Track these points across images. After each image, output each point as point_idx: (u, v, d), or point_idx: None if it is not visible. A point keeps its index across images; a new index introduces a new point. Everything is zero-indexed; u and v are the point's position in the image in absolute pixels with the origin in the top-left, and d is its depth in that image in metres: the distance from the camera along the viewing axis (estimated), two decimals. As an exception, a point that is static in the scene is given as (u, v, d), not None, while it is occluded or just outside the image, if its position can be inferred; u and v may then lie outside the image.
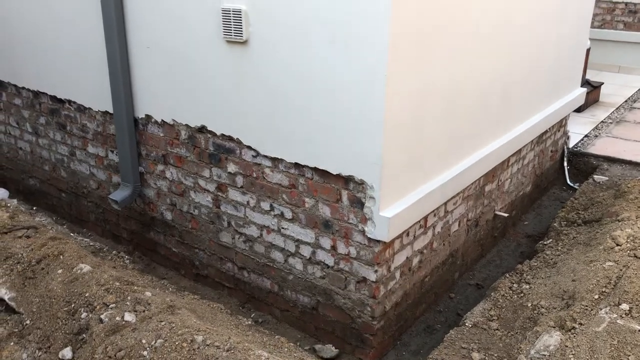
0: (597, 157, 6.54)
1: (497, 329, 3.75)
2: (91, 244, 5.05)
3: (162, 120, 4.42)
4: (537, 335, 3.31)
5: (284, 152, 3.75)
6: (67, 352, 3.22)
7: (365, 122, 3.28)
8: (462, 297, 4.57)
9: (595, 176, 6.02)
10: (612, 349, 2.96)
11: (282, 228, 3.96)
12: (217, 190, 4.27)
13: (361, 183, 3.44)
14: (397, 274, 3.81)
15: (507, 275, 4.38)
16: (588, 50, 7.67)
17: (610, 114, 8.05)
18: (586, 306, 3.40)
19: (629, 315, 3.20)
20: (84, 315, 3.33)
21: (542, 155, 5.91)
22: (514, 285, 4.19)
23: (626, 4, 10.25)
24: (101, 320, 3.23)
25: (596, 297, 3.46)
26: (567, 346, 3.06)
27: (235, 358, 2.90)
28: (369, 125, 3.27)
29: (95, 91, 4.82)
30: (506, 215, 5.17)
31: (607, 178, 5.93)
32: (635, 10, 10.22)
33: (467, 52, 3.88)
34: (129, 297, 3.40)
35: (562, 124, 6.27)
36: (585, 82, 7.83)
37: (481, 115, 4.31)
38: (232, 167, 4.10)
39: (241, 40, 3.65)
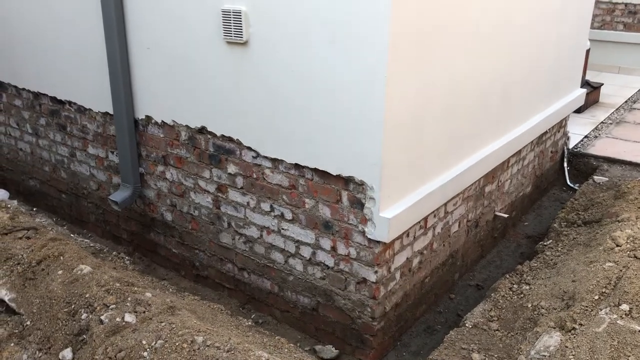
0: (597, 157, 6.54)
1: (497, 330, 3.75)
2: (91, 245, 5.05)
3: (162, 121, 4.42)
4: (537, 336, 3.31)
5: (284, 152, 3.75)
6: (67, 353, 3.22)
7: (365, 122, 3.29)
8: (462, 298, 4.57)
9: (595, 177, 6.02)
10: (612, 349, 2.96)
11: (282, 229, 3.97)
12: (217, 191, 4.27)
13: (361, 184, 3.44)
14: (397, 275, 3.81)
15: (507, 276, 4.38)
16: (588, 51, 7.68)
17: (610, 114, 8.05)
18: (586, 307, 3.40)
19: (629, 316, 3.20)
20: (84, 316, 3.33)
21: (542, 156, 5.91)
22: (514, 286, 4.19)
23: (626, 4, 10.26)
24: (101, 321, 3.23)
25: (596, 297, 3.46)
26: (567, 347, 3.06)
27: (236, 359, 2.90)
28: (369, 126, 3.28)
29: (96, 92, 4.83)
30: (506, 216, 5.18)
31: (607, 179, 5.93)
32: (635, 11, 10.23)
33: (467, 52, 3.89)
34: (129, 298, 3.40)
35: (562, 124, 6.27)
36: (585, 83, 7.83)
37: (481, 115, 4.31)
38: (232, 168, 4.11)
39: (241, 41, 3.66)
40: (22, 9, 5.20)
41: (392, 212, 3.44)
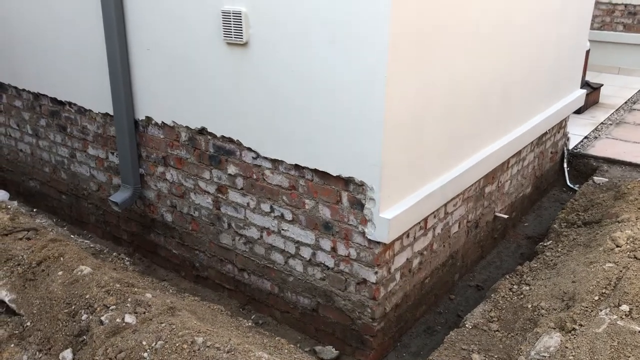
0: (597, 158, 6.54)
1: (497, 330, 3.75)
2: (91, 245, 5.05)
3: (162, 122, 4.42)
4: (537, 337, 3.31)
5: (284, 153, 3.76)
6: (67, 353, 3.22)
7: (365, 122, 3.29)
8: (462, 299, 4.57)
9: (595, 177, 6.02)
10: (612, 350, 2.96)
11: (282, 230, 3.97)
12: (217, 192, 4.27)
13: (361, 184, 3.44)
14: (397, 276, 3.81)
15: (507, 277, 4.38)
16: (588, 52, 7.68)
17: (610, 115, 8.05)
18: (586, 307, 3.40)
19: (629, 317, 3.20)
20: (84, 317, 3.33)
21: (542, 157, 5.92)
22: (514, 286, 4.19)
23: (626, 5, 10.26)
24: (101, 322, 3.23)
25: (596, 298, 3.46)
26: (567, 347, 3.06)
27: (236, 359, 2.90)
28: (369, 126, 3.28)
29: (96, 93, 4.83)
30: (506, 216, 5.18)
31: (607, 179, 5.94)
32: (635, 11, 10.23)
33: (467, 52, 3.89)
34: (129, 299, 3.40)
35: (562, 125, 6.28)
36: (585, 84, 7.84)
37: (481, 115, 4.31)
38: (232, 169, 4.11)
39: (241, 42, 3.66)
40: (22, 9, 5.21)
41: (392, 212, 3.44)
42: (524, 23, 4.59)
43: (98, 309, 3.34)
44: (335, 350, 3.93)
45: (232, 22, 3.64)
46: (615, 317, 3.20)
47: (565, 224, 5.15)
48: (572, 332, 3.20)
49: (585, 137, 7.17)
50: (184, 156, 4.39)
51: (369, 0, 3.06)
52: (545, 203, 6.17)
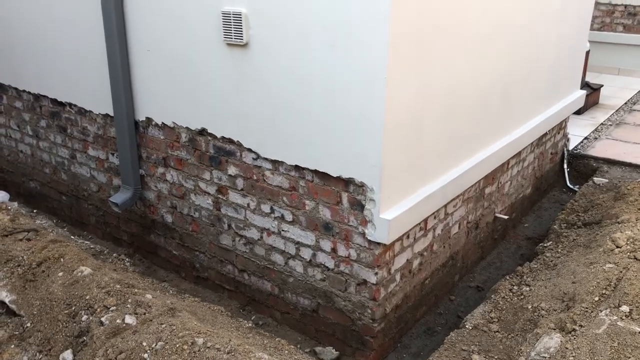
0: (597, 159, 6.54)
1: (497, 331, 3.75)
2: (92, 246, 5.05)
3: (163, 122, 4.42)
4: (538, 337, 3.31)
5: (284, 154, 3.76)
6: (67, 354, 3.22)
7: (365, 123, 3.29)
8: (463, 300, 4.57)
9: (595, 178, 6.02)
10: (613, 351, 2.96)
11: (283, 230, 3.97)
12: (217, 192, 4.28)
13: (361, 185, 3.45)
14: (398, 277, 3.81)
15: (507, 278, 4.38)
16: (587, 53, 7.68)
17: (610, 116, 8.06)
18: (586, 308, 3.40)
19: (629, 317, 3.20)
20: (84, 317, 3.33)
21: (542, 158, 5.92)
22: (514, 287, 4.19)
23: (625, 6, 10.26)
24: (102, 323, 3.23)
25: (596, 299, 3.46)
26: (567, 348, 3.07)
27: (236, 360, 2.91)
28: (369, 127, 3.28)
29: (96, 94, 4.83)
30: (506, 217, 5.18)
31: (607, 180, 5.94)
32: (635, 12, 10.24)
33: (467, 52, 3.89)
34: (129, 300, 3.40)
35: (562, 126, 6.28)
36: (584, 85, 7.84)
37: (481, 115, 4.31)
38: (232, 170, 4.11)
39: (241, 43, 3.66)
40: (22, 9, 5.21)
41: (392, 213, 3.44)
42: (524, 23, 4.59)
43: (98, 309, 3.34)
44: (336, 351, 3.93)
45: (232, 23, 3.64)
46: (615, 317, 3.20)
47: (565, 224, 5.15)
48: (572, 332, 3.21)
49: (585, 138, 7.17)
50: (184, 157, 4.40)
51: (369, 1, 3.06)
52: (545, 204, 6.17)
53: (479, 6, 3.87)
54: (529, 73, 4.95)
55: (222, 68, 3.86)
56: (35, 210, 5.99)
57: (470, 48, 3.91)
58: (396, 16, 3.06)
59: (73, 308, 3.42)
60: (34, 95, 5.51)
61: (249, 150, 3.95)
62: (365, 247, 3.57)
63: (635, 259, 3.77)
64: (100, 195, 5.28)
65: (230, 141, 4.03)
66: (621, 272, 3.63)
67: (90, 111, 5.00)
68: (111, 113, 4.75)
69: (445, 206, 4.12)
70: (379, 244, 3.51)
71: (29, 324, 3.50)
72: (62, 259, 3.86)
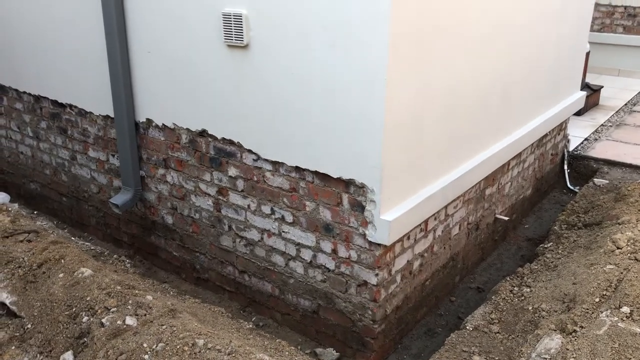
0: (597, 160, 6.55)
1: (498, 332, 3.75)
2: (92, 248, 5.05)
3: (163, 124, 4.43)
4: (538, 339, 3.31)
5: (284, 155, 3.76)
6: (68, 356, 3.22)
7: (366, 124, 3.29)
8: (463, 301, 4.57)
9: (595, 179, 6.02)
10: (613, 352, 2.96)
11: (283, 232, 3.97)
12: (217, 194, 4.28)
13: (362, 186, 3.45)
14: (398, 278, 3.81)
15: (508, 279, 4.38)
16: (588, 54, 7.69)
17: (610, 117, 8.06)
18: (587, 309, 3.40)
19: (630, 319, 3.20)
20: (85, 319, 3.33)
21: (542, 159, 5.92)
22: (515, 288, 4.19)
23: (625, 7, 10.27)
24: (102, 324, 3.23)
25: (597, 300, 3.46)
26: (568, 349, 3.06)
27: (237, 362, 2.90)
28: (369, 127, 3.28)
29: (96, 95, 4.83)
30: (507, 218, 5.18)
31: (607, 181, 5.94)
32: (635, 13, 10.24)
33: (467, 52, 3.89)
34: (130, 301, 3.40)
35: (562, 127, 6.28)
36: (585, 86, 7.84)
37: (481, 116, 4.31)
38: (232, 171, 4.11)
39: (242, 45, 3.66)
40: (22, 9, 5.21)
41: (392, 214, 3.44)
42: (524, 23, 4.59)
43: (99, 311, 3.34)
44: (336, 352, 3.93)
45: (232, 25, 3.65)
46: (616, 318, 3.20)
47: (565, 225, 5.15)
48: (573, 334, 3.20)
49: (586, 139, 7.17)
50: (184, 158, 4.40)
51: (369, 1, 3.06)
52: (546, 205, 6.17)
53: (479, 6, 3.88)
54: (529, 73, 4.95)
55: (223, 69, 3.87)
56: (35, 212, 5.99)
57: (470, 48, 3.91)
58: (396, 16, 3.06)
59: (74, 309, 3.42)
60: (35, 97, 5.51)
61: (250, 151, 3.95)
62: (365, 248, 3.57)
63: (636, 260, 3.77)
64: (101, 197, 5.28)
65: (231, 142, 4.03)
66: (622, 273, 3.63)
67: (91, 112, 5.00)
68: (111, 114, 4.75)
69: (445, 207, 4.12)
70: (379, 245, 3.51)
71: (29, 325, 3.50)
72: (62, 261, 3.86)
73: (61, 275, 3.71)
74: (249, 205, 4.11)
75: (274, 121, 3.72)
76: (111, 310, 3.32)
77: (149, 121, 4.52)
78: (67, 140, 5.37)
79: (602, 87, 8.76)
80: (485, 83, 4.24)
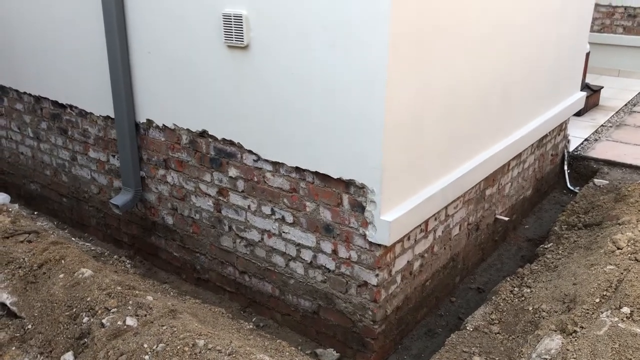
0: (597, 160, 6.55)
1: (498, 333, 3.75)
2: (92, 248, 5.05)
3: (164, 124, 4.43)
4: (539, 339, 3.31)
5: (284, 156, 3.76)
6: (68, 356, 3.22)
7: (366, 124, 3.29)
8: (463, 301, 4.57)
9: (595, 180, 6.02)
10: (614, 352, 2.96)
11: (283, 232, 3.97)
12: (218, 194, 4.28)
13: (362, 187, 3.45)
14: (398, 278, 3.81)
15: (508, 279, 4.38)
16: (588, 54, 7.69)
17: (610, 117, 8.06)
18: (587, 310, 3.40)
19: (630, 319, 3.20)
20: (85, 319, 3.33)
21: (542, 159, 5.92)
22: (515, 289, 4.19)
23: (625, 8, 10.27)
24: (103, 325, 3.23)
25: (597, 300, 3.46)
26: (568, 350, 3.06)
27: (237, 362, 2.90)
28: (370, 128, 3.28)
29: (97, 96, 4.84)
30: (507, 219, 5.18)
31: (607, 182, 5.94)
32: (635, 14, 10.24)
33: (467, 52, 3.89)
34: (130, 302, 3.40)
35: (562, 127, 6.28)
36: (585, 86, 7.84)
37: (481, 116, 4.31)
38: (233, 172, 4.11)
39: (242, 45, 3.67)
40: (21, 9, 5.21)
41: (393, 215, 3.45)
42: (524, 23, 4.59)
43: (99, 311, 3.34)
44: (336, 352, 3.93)
45: (232, 25, 3.65)
46: (616, 319, 3.20)
47: (565, 226, 5.15)
48: (573, 334, 3.20)
49: (586, 140, 7.17)
50: (184, 159, 4.40)
51: (369, 1, 3.06)
52: (546, 205, 6.17)
53: (479, 6, 3.88)
54: (529, 73, 4.95)
55: (223, 69, 3.87)
56: (36, 212, 5.99)
57: (470, 48, 3.91)
58: (396, 16, 3.06)
59: (74, 310, 3.42)
60: (35, 97, 5.51)
61: (250, 151, 3.95)
62: (366, 248, 3.57)
63: (636, 260, 3.77)
64: (101, 197, 5.29)
65: (231, 143, 4.04)
66: (622, 273, 3.63)
67: (91, 113, 5.00)
68: (112, 115, 4.75)
69: (445, 208, 4.12)
70: (379, 245, 3.51)
71: (30, 326, 3.50)
72: (63, 261, 3.86)
73: (61, 275, 3.71)
74: (249, 206, 4.11)
75: (274, 121, 3.72)
76: (111, 311, 3.32)
77: (150, 122, 4.52)
78: (68, 141, 5.38)
79: (602, 87, 8.76)
80: (485, 83, 4.25)
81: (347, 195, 3.55)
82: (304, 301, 4.05)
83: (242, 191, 4.11)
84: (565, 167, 6.58)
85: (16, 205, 5.34)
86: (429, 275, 4.19)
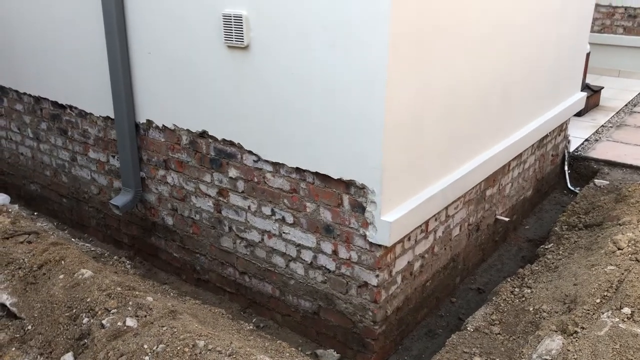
0: (597, 161, 6.54)
1: (498, 334, 3.74)
2: (92, 249, 5.05)
3: (163, 125, 4.43)
4: (539, 340, 3.31)
5: (285, 156, 3.76)
6: (68, 357, 3.22)
7: (366, 124, 3.29)
8: (464, 302, 4.57)
9: (596, 180, 6.02)
10: (614, 353, 2.96)
11: (284, 233, 3.96)
12: (218, 195, 4.27)
13: (362, 187, 3.44)
14: (399, 279, 3.81)
15: (509, 280, 4.37)
16: (588, 55, 7.68)
17: (611, 118, 8.05)
18: (588, 310, 3.39)
19: (631, 319, 3.19)
20: (85, 320, 3.33)
21: (542, 160, 5.92)
22: (516, 289, 4.19)
23: (626, 8, 10.27)
24: (103, 326, 3.23)
25: (598, 301, 3.46)
26: (569, 350, 3.06)
27: (237, 363, 2.90)
28: (370, 128, 3.28)
29: (96, 96, 4.83)
30: (507, 219, 5.17)
31: (607, 182, 5.93)
32: (635, 14, 10.24)
33: (467, 52, 3.89)
34: (130, 302, 3.40)
35: (562, 128, 6.28)
36: (585, 87, 7.84)
37: (481, 116, 4.31)
38: (233, 172, 4.11)
39: (242, 46, 3.66)
40: (21, 9, 5.21)
41: (393, 215, 3.44)
42: (524, 23, 4.59)
43: (99, 312, 3.33)
44: (337, 353, 3.92)
45: (233, 26, 3.65)
46: (617, 319, 3.19)
47: (566, 226, 5.15)
48: (574, 335, 3.20)
49: (586, 140, 7.17)
50: (185, 159, 4.39)
51: (369, 1, 3.06)
52: (546, 206, 6.16)
53: (479, 6, 3.87)
54: (529, 73, 4.95)
55: (223, 70, 3.87)
56: (35, 213, 5.99)
57: (470, 48, 3.91)
58: (396, 16, 3.06)
59: (74, 311, 3.42)
60: (35, 98, 5.51)
61: (250, 152, 3.94)
62: (366, 249, 3.57)
63: (637, 260, 3.77)
64: (101, 198, 5.28)
65: (231, 143, 4.03)
66: (623, 274, 3.63)
67: (91, 114, 5.00)
68: (112, 115, 4.75)
69: (446, 208, 4.12)
70: (380, 246, 3.51)
71: (29, 327, 3.49)
72: (63, 262, 3.85)
73: (61, 276, 3.70)
74: (249, 207, 4.10)
75: (274, 122, 3.72)
76: (111, 312, 3.32)
77: (149, 122, 4.52)
78: (68, 142, 5.37)
79: (603, 88, 8.76)
80: (485, 83, 4.24)
81: (347, 195, 3.54)
82: (304, 302, 4.04)
83: (242, 192, 4.10)
84: (566, 168, 6.58)
85: (16, 206, 5.33)
86: (430, 275, 4.19)
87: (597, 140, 7.20)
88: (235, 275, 4.42)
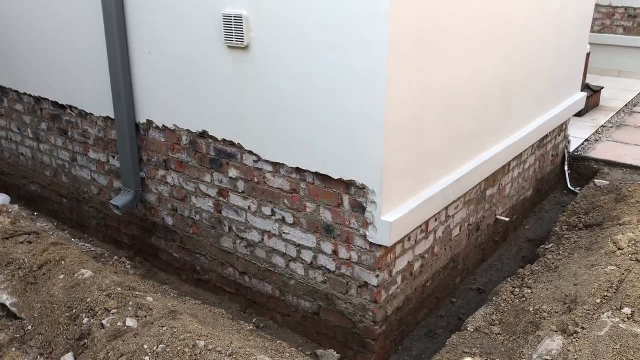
0: (597, 161, 6.54)
1: (499, 334, 3.74)
2: (92, 249, 5.05)
3: (164, 125, 4.43)
4: (540, 340, 3.31)
5: (285, 157, 3.76)
6: (68, 357, 3.22)
7: (366, 124, 3.29)
8: (464, 302, 4.56)
9: (596, 180, 6.01)
10: (615, 353, 2.96)
11: (284, 233, 3.96)
12: (218, 195, 4.27)
13: (362, 188, 3.44)
14: (399, 279, 3.81)
15: (509, 280, 4.37)
16: (588, 55, 7.68)
17: (611, 118, 8.05)
18: (588, 310, 3.39)
19: (632, 320, 3.19)
20: (85, 320, 3.33)
21: (543, 160, 5.91)
22: (516, 289, 4.19)
23: (626, 8, 10.26)
24: (103, 326, 3.22)
25: (598, 301, 3.45)
26: (569, 350, 3.06)
27: (237, 363, 2.90)
28: (370, 128, 3.28)
29: (97, 97, 4.83)
30: (507, 219, 5.17)
31: (608, 182, 5.93)
32: (635, 14, 10.24)
33: (467, 52, 3.89)
34: (130, 303, 3.40)
35: (562, 128, 6.27)
36: (585, 87, 7.84)
37: (481, 116, 4.31)
38: (233, 172, 4.11)
39: (242, 46, 3.66)
40: (21, 9, 5.21)
41: (393, 216, 3.44)
42: (524, 23, 4.59)
43: (99, 312, 3.33)
44: (337, 353, 3.92)
45: (233, 26, 3.65)
46: (617, 320, 3.19)
47: (566, 226, 5.15)
48: (575, 335, 3.20)
49: (586, 140, 7.17)
50: (185, 159, 4.39)
51: (369, 1, 3.06)
52: (547, 206, 6.16)
53: (479, 6, 3.87)
54: (529, 73, 4.94)
55: (223, 70, 3.86)
56: (36, 213, 5.99)
57: (470, 48, 3.90)
58: (396, 16, 3.06)
59: (74, 311, 3.42)
60: (35, 98, 5.51)
61: (250, 152, 3.94)
62: (366, 249, 3.57)
63: (637, 260, 3.76)
64: (101, 198, 5.28)
65: (231, 144, 4.03)
66: (623, 274, 3.63)
67: (91, 114, 5.00)
68: (112, 116, 4.75)
69: (446, 208, 4.12)
70: (380, 246, 3.50)
71: (30, 327, 3.49)
72: (63, 262, 3.85)
73: (62, 276, 3.70)
74: (249, 207, 4.10)
75: (275, 122, 3.72)
76: (112, 312, 3.32)
77: (150, 122, 4.52)
78: (68, 142, 5.37)
79: (603, 88, 8.75)
80: (485, 83, 4.24)
81: (347, 195, 3.54)
82: (305, 302, 4.04)
83: (243, 192, 4.10)
84: (566, 168, 6.58)
85: (16, 206, 5.33)
86: (430, 276, 4.19)
87: (597, 140, 7.20)
88: (236, 276, 4.42)
